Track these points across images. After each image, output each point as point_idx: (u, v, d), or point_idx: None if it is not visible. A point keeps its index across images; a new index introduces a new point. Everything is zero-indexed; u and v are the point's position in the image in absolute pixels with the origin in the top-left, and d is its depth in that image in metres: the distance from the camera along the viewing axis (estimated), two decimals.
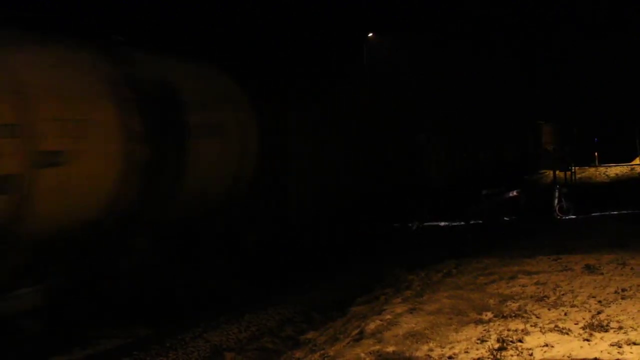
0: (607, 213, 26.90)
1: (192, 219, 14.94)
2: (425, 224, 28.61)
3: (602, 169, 52.03)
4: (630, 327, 9.47)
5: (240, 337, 13.50)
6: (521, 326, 9.93)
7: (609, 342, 8.86)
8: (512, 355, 8.71)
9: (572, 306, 10.95)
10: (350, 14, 49.94)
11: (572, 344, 8.95)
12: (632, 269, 13.62)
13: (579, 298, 11.46)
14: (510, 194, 29.52)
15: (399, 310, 11.71)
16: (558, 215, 27.28)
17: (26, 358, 11.25)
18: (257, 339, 13.33)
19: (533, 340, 9.27)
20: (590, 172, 50.52)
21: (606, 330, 9.40)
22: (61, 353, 12.33)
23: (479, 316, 10.92)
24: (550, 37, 68.13)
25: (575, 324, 9.87)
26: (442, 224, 28.90)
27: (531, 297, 11.84)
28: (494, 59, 62.28)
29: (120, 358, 12.26)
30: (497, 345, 9.07)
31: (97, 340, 13.04)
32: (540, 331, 9.65)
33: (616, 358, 8.32)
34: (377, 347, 9.64)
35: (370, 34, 49.48)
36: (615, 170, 49.94)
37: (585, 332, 9.39)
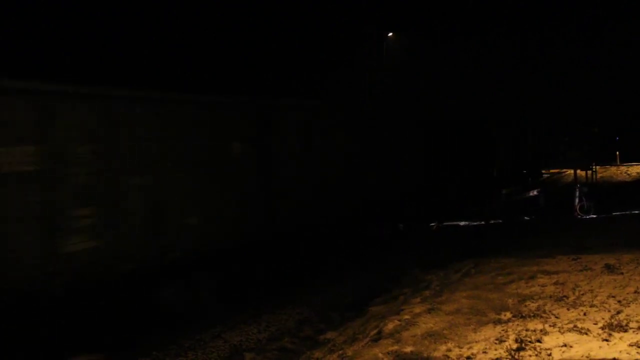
0: (628, 212, 26.71)
1: None
2: (445, 223, 28.55)
3: (623, 168, 51.75)
4: None
5: (260, 338, 13.52)
6: (540, 326, 9.90)
7: (628, 342, 8.82)
8: (530, 356, 8.69)
9: (592, 306, 10.90)
10: (369, 14, 49.85)
11: (591, 344, 8.91)
12: None
13: (598, 298, 11.41)
14: (530, 193, 29.50)
15: (417, 310, 11.71)
16: (578, 215, 27.14)
17: None
18: (277, 339, 13.34)
19: (552, 340, 9.24)
20: (611, 171, 50.28)
21: (625, 330, 9.35)
22: (79, 354, 12.39)
23: (498, 316, 10.90)
24: (571, 35, 67.84)
25: (595, 324, 9.83)
26: (462, 223, 28.83)
27: (550, 297, 11.80)
28: (513, 58, 62.11)
29: (139, 358, 12.32)
30: (515, 346, 9.05)
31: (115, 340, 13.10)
32: (559, 331, 9.61)
33: (635, 358, 8.27)
34: (395, 347, 9.65)
35: (390, 34, 49.41)
36: (636, 169, 49.65)
37: (605, 332, 9.35)
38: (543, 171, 48.93)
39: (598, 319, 10.07)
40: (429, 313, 11.34)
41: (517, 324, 10.20)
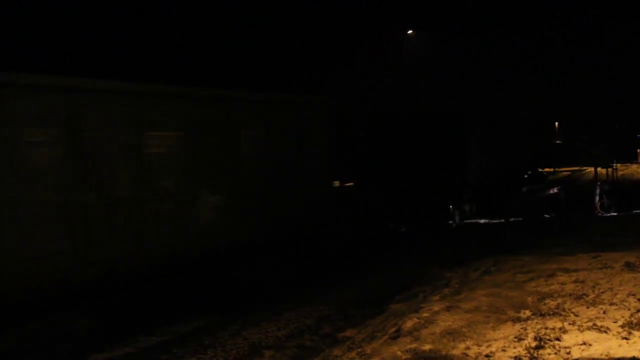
0: None
1: None
2: (465, 221, 28.50)
3: None
4: None
5: (279, 335, 13.56)
6: (559, 324, 9.88)
7: None
8: (549, 354, 8.67)
9: (611, 304, 10.85)
10: (390, 12, 49.73)
11: (610, 343, 8.88)
12: None
13: (618, 296, 11.35)
14: (551, 191, 29.41)
15: (436, 308, 11.70)
16: (599, 213, 27.06)
17: None
18: (296, 337, 13.37)
19: (571, 338, 9.21)
20: (632, 169, 50.02)
21: None
22: (101, 351, 12.48)
23: (517, 314, 10.88)
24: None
25: (614, 322, 9.78)
26: (482, 221, 28.76)
27: (570, 295, 11.76)
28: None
29: (160, 356, 12.38)
30: (534, 344, 9.03)
31: (136, 337, 13.18)
32: (579, 329, 9.58)
33: None
34: (414, 345, 9.65)
35: (410, 31, 49.38)
36: None
37: (624, 330, 9.31)
38: (545, 170, 48.72)
39: (618, 317, 10.03)
40: (448, 311, 11.33)
41: (537, 322, 10.18)
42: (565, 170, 53.88)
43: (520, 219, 28.00)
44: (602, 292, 11.70)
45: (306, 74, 45.41)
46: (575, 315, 10.38)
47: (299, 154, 19.20)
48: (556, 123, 70.78)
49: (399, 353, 9.45)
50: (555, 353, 8.68)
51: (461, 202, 28.44)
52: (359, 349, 10.85)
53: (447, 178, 27.45)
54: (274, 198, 18.02)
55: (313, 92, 40.41)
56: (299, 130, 19.39)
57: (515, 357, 8.71)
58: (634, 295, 11.34)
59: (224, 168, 16.50)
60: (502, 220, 28.07)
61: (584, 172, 49.20)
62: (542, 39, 66.29)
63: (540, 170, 39.17)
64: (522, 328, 9.96)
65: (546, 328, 9.74)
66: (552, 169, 49.41)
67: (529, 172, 36.29)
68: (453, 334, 9.98)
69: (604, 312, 10.40)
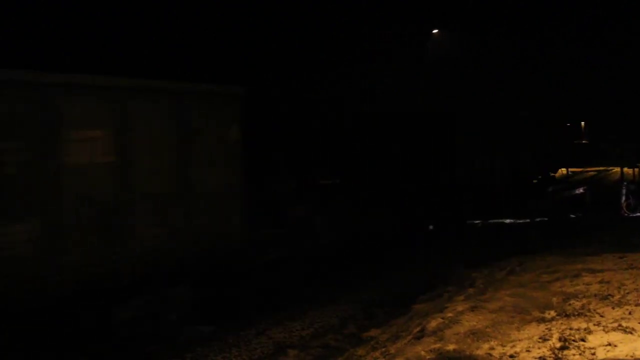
0: None
1: None
2: (490, 221, 28.44)
3: None
4: None
5: (303, 334, 13.59)
6: (584, 325, 9.83)
7: None
8: (574, 355, 8.63)
9: (637, 305, 10.78)
10: (413, 10, 49.49)
11: (635, 343, 8.83)
12: None
13: None
14: (577, 191, 29.33)
15: (460, 308, 11.68)
16: (625, 213, 26.92)
17: None
18: (320, 336, 13.39)
19: (596, 339, 9.17)
20: None
21: None
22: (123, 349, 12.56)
23: (542, 315, 10.85)
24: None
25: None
26: (507, 221, 28.68)
27: (595, 295, 11.70)
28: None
29: (184, 354, 12.45)
30: (559, 345, 8.99)
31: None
32: (604, 330, 9.53)
33: None
34: (438, 345, 9.64)
35: (435, 30, 49.28)
36: None
37: None
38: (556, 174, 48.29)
39: None
40: (472, 311, 11.31)
41: (561, 323, 10.14)
42: (591, 170, 53.64)
43: (546, 219, 27.92)
44: (628, 293, 11.64)
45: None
46: (601, 316, 10.33)
47: (182, 160, 14.22)
48: (582, 123, 70.51)
49: (422, 353, 9.45)
50: (580, 354, 8.65)
51: (486, 201, 28.35)
52: (383, 349, 10.87)
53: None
54: (133, 223, 12.93)
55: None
56: (183, 129, 14.24)
57: (540, 357, 8.68)
58: None
59: (40, 186, 11.20)
60: (528, 220, 28.01)
61: (610, 172, 48.93)
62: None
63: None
64: (546, 329, 9.93)
65: (571, 329, 9.70)
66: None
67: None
68: (477, 334, 9.96)
69: (630, 313, 10.34)
